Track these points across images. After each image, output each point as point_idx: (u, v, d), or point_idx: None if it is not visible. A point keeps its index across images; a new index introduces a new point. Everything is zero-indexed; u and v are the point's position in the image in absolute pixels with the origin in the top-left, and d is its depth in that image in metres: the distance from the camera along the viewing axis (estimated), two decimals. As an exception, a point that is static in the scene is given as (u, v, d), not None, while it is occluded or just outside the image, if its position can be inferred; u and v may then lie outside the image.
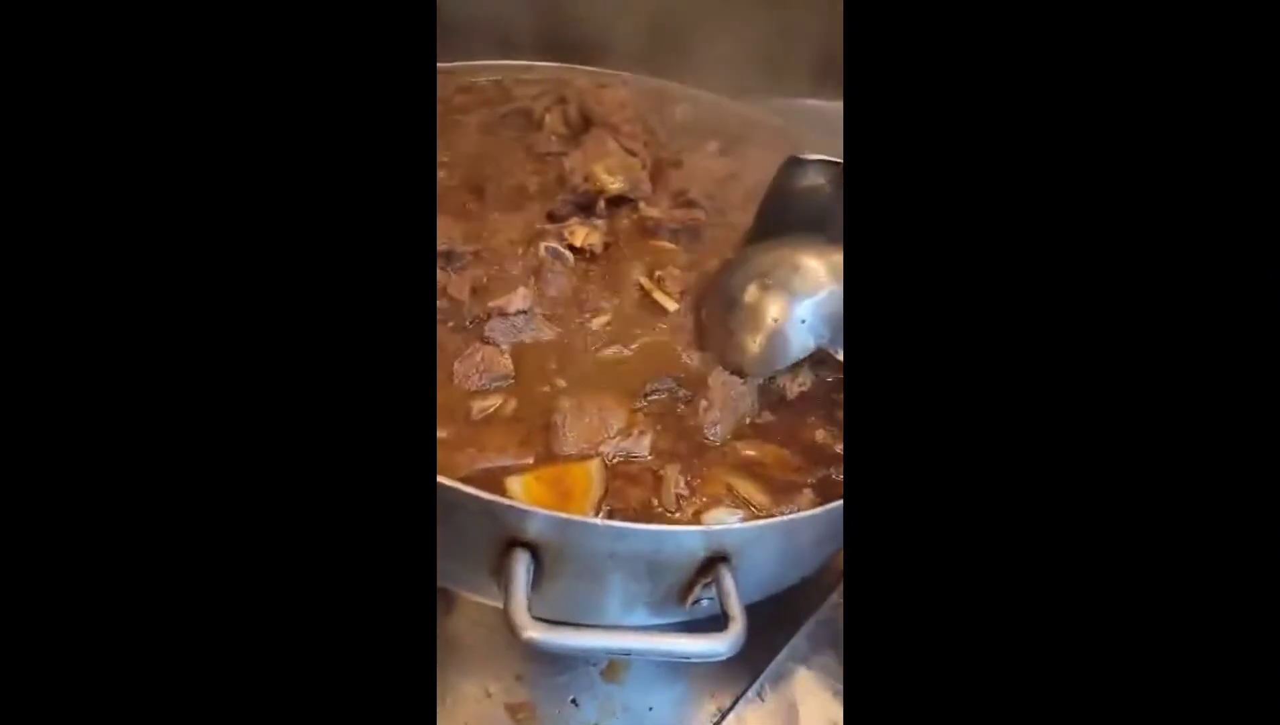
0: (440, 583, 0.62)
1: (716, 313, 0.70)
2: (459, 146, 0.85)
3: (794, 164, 0.72)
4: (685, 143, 0.92)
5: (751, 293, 0.67)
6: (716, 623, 0.53)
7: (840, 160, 0.70)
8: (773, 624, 0.71)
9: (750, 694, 0.68)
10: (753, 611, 0.54)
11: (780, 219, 0.73)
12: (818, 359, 0.68)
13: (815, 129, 0.92)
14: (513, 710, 0.68)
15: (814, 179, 0.70)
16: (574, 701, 0.68)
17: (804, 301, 0.66)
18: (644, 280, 0.73)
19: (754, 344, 0.67)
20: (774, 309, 0.66)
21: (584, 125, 0.89)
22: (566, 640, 0.50)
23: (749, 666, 0.70)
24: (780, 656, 0.70)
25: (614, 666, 0.71)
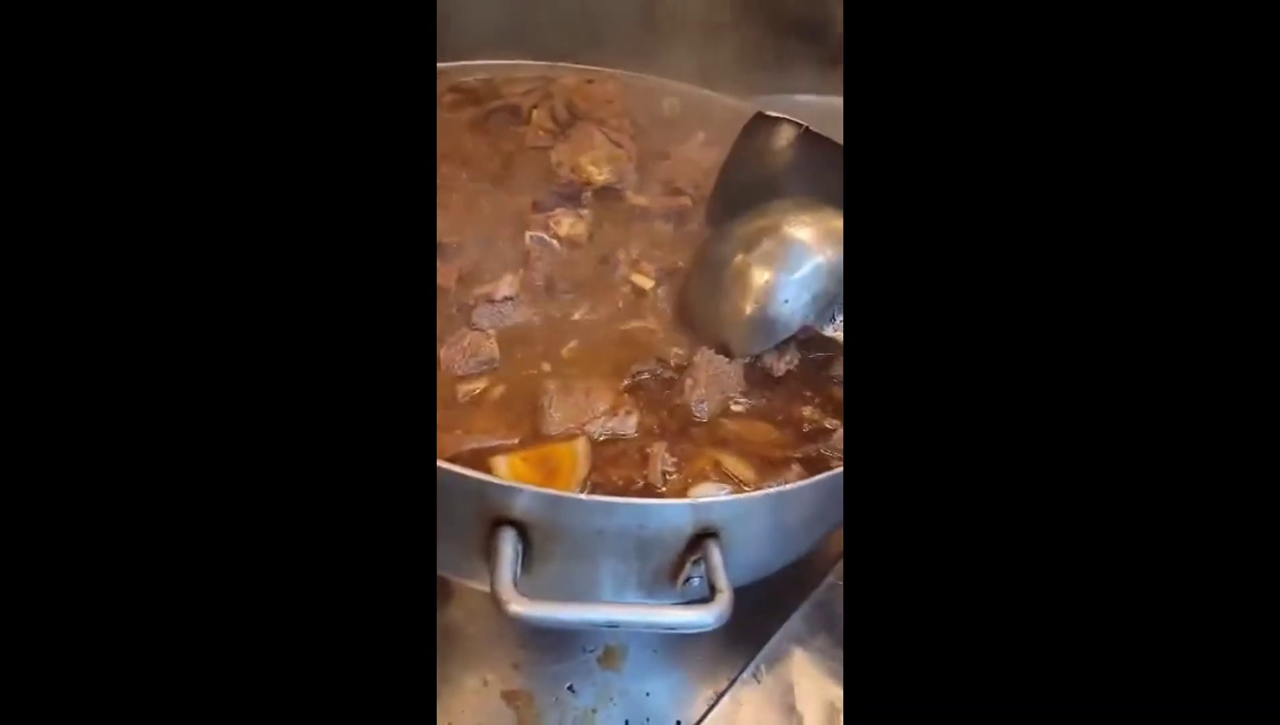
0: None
1: (701, 288, 0.71)
2: (448, 142, 0.86)
3: (760, 121, 0.72)
4: (673, 135, 0.93)
5: (736, 267, 0.67)
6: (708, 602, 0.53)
7: (804, 123, 0.71)
8: (768, 606, 0.71)
9: (746, 675, 0.68)
10: (747, 594, 0.54)
11: (741, 178, 0.73)
12: (804, 337, 0.68)
13: (812, 123, 0.93)
14: (510, 698, 0.68)
15: (778, 140, 0.71)
16: (571, 688, 0.68)
17: (789, 279, 0.66)
18: (624, 265, 0.74)
19: (739, 321, 0.67)
20: (758, 286, 0.66)
21: (571, 120, 0.90)
22: (552, 613, 0.50)
23: (746, 650, 0.70)
24: (776, 638, 0.70)
25: (611, 653, 0.71)
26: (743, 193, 0.74)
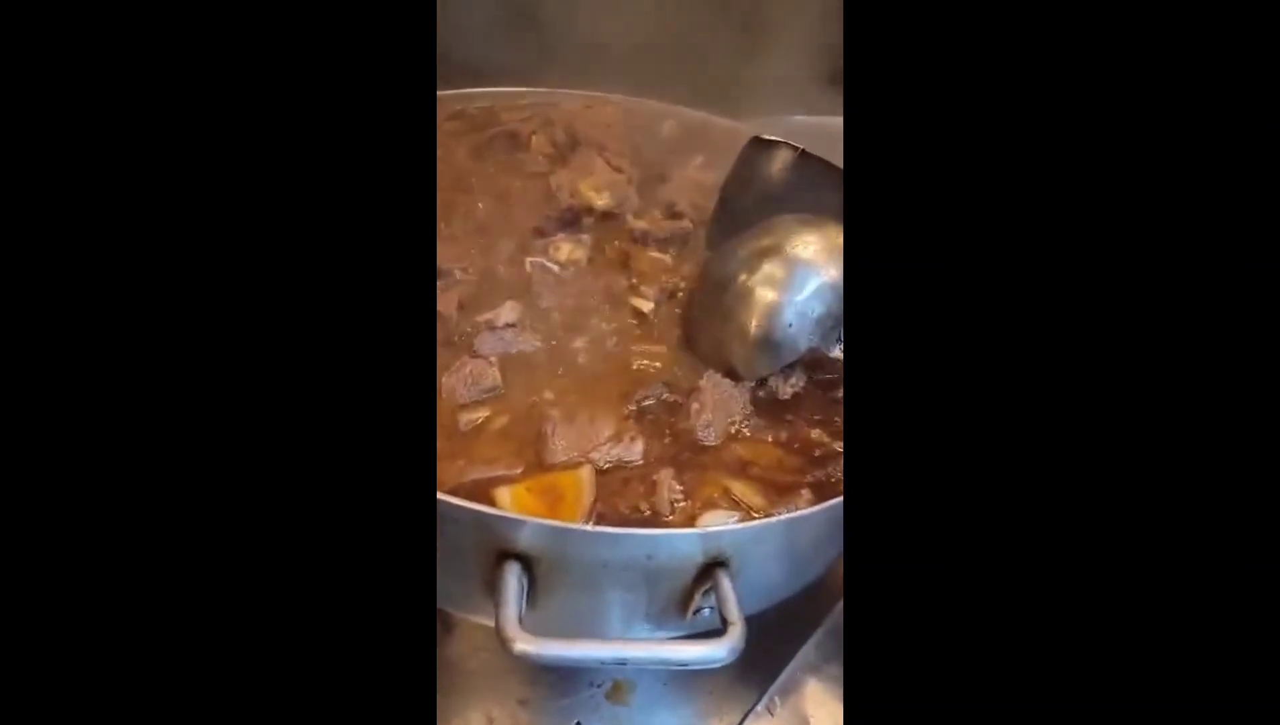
0: (436, 603, 0.61)
1: (705, 311, 0.70)
2: (448, 169, 0.86)
3: (756, 145, 0.72)
4: (671, 158, 0.93)
5: (739, 289, 0.66)
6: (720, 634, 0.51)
7: (799, 146, 0.71)
8: (780, 635, 0.69)
9: (759, 707, 0.66)
10: (759, 622, 0.53)
11: (739, 201, 0.73)
12: (810, 360, 0.67)
13: (808, 144, 0.93)
14: (516, 736, 0.66)
15: (775, 163, 0.71)
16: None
17: (793, 300, 0.65)
18: (625, 289, 0.74)
19: (744, 344, 0.66)
20: (762, 308, 0.66)
21: (571, 145, 0.90)
22: (558, 651, 0.49)
23: (758, 682, 0.68)
24: (789, 668, 0.68)
25: (618, 688, 0.69)
26: (742, 216, 0.74)
